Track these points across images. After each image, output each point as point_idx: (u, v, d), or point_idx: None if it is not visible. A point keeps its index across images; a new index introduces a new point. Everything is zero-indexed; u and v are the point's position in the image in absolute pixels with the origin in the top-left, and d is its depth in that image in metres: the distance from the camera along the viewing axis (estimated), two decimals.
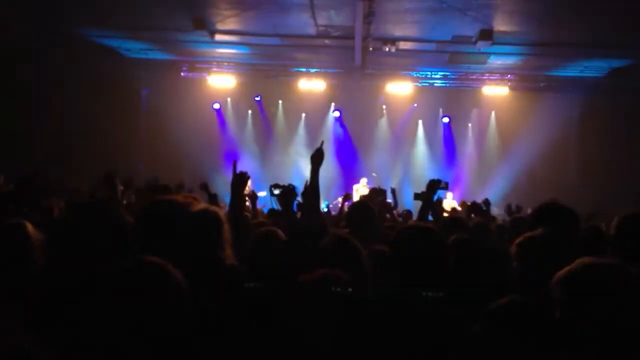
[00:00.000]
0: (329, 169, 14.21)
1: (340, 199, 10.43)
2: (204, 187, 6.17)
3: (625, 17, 9.81)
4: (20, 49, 11.61)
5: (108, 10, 10.64)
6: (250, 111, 16.50)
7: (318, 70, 15.07)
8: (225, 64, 15.08)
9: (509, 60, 13.65)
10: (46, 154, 11.57)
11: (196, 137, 15.01)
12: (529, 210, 4.43)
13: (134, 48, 13.65)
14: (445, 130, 16.62)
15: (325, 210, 11.91)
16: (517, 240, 2.75)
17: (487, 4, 9.84)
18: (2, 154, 10.53)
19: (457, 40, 11.79)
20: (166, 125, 14.60)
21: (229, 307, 2.51)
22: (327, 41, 12.07)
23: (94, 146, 13.33)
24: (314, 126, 16.37)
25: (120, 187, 5.50)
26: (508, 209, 7.95)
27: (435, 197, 5.14)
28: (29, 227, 2.70)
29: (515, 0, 9.93)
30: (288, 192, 3.84)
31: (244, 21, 11.41)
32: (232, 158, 4.34)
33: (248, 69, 15.30)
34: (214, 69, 15.19)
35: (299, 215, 4.02)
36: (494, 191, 14.45)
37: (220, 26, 11.54)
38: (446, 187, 5.13)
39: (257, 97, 16.22)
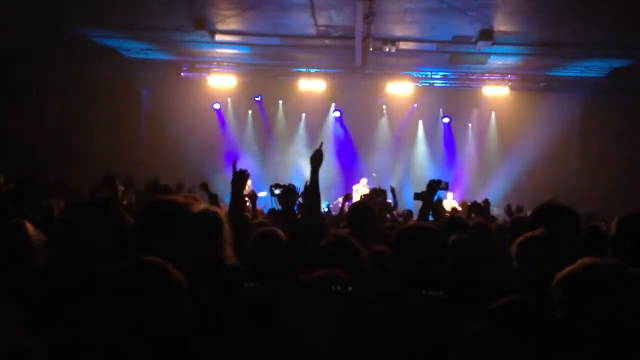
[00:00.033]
0: (329, 169, 14.21)
1: (340, 199, 10.42)
2: (204, 186, 6.17)
3: (625, 17, 9.81)
4: (20, 49, 11.61)
5: (108, 10, 10.64)
6: (250, 111, 16.49)
7: (318, 70, 15.07)
8: (226, 64, 15.08)
9: (509, 61, 13.66)
10: (46, 154, 11.58)
11: (196, 137, 15.01)
12: (529, 212, 4.43)
13: (134, 48, 13.65)
14: (446, 131, 16.62)
15: (326, 210, 11.91)
16: (518, 240, 2.75)
17: (488, 4, 9.84)
18: (2, 154, 10.53)
19: (458, 40, 11.79)
20: (166, 125, 14.61)
21: (229, 307, 2.51)
22: (327, 41, 12.07)
23: (94, 146, 13.34)
24: (314, 126, 16.36)
25: (121, 188, 5.51)
26: (508, 209, 7.94)
27: (435, 197, 5.14)
28: (29, 227, 2.70)
29: (515, 1, 9.93)
30: (288, 192, 3.83)
31: (244, 21, 11.41)
32: (232, 158, 4.33)
33: (248, 69, 15.30)
34: (214, 69, 15.18)
35: (299, 215, 4.02)
36: (494, 191, 14.45)
37: (220, 26, 11.54)
38: (446, 188, 5.12)
39: (258, 97, 16.21)
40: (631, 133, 14.45)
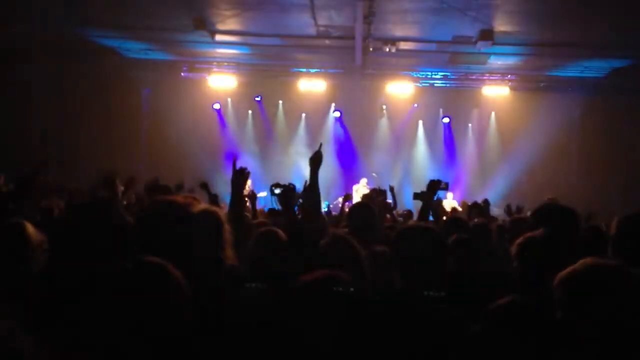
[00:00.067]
0: (329, 169, 14.20)
1: (340, 199, 10.43)
2: (204, 186, 6.17)
3: (625, 17, 9.81)
4: (20, 49, 11.61)
5: (108, 10, 10.64)
6: (250, 111, 16.49)
7: (318, 70, 15.07)
8: (226, 64, 15.07)
9: (509, 61, 13.66)
10: (46, 154, 11.58)
11: (196, 137, 15.01)
12: (529, 212, 4.43)
13: (134, 48, 13.65)
14: (446, 131, 16.61)
15: (326, 210, 11.91)
16: (518, 241, 2.75)
17: (488, 4, 9.84)
18: (2, 154, 10.53)
19: (458, 40, 11.79)
20: (166, 125, 14.61)
21: (229, 307, 2.51)
22: (327, 41, 12.07)
23: (94, 146, 13.33)
24: (314, 126, 16.36)
25: (121, 188, 5.50)
26: (508, 209, 7.95)
27: (435, 198, 5.14)
28: (29, 227, 2.70)
29: (515, 1, 9.93)
30: (289, 191, 3.83)
31: (244, 21, 11.41)
32: (232, 156, 4.31)
33: (248, 69, 15.30)
34: (214, 69, 15.18)
35: (299, 215, 4.01)
36: (494, 191, 14.46)
37: (220, 26, 11.54)
38: (446, 188, 5.12)
39: (258, 97, 16.21)
40: (631, 133, 14.45)
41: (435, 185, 4.59)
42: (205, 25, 11.18)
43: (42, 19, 10.96)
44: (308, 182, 3.75)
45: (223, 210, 3.41)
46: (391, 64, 13.95)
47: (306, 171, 3.98)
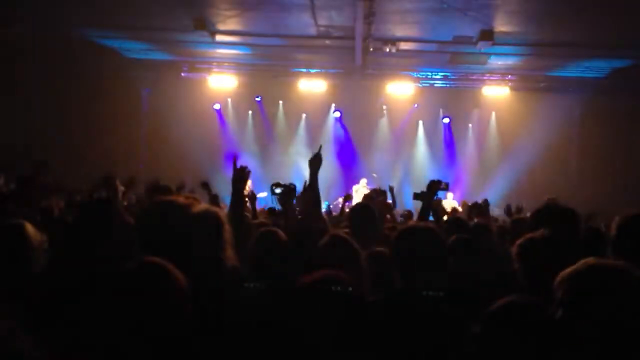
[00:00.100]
0: (329, 169, 14.20)
1: (341, 200, 10.43)
2: (205, 185, 6.17)
3: (625, 17, 9.81)
4: (20, 49, 11.60)
5: (108, 10, 10.64)
6: (250, 112, 16.49)
7: (318, 70, 15.07)
8: (226, 64, 15.07)
9: (510, 61, 13.65)
10: (46, 154, 11.56)
11: (196, 137, 14.99)
12: (529, 214, 4.42)
13: (134, 48, 13.65)
14: (446, 131, 16.61)
15: (326, 210, 11.91)
16: (518, 241, 2.75)
17: (488, 4, 9.84)
18: (2, 154, 10.53)
19: (458, 40, 11.79)
20: (166, 125, 14.61)
21: (229, 307, 2.51)
22: (327, 41, 12.07)
23: (94, 146, 13.33)
24: (315, 127, 16.36)
25: (122, 188, 5.51)
26: (508, 210, 7.95)
27: (435, 198, 5.14)
28: (29, 227, 2.70)
29: (516, 1, 9.93)
30: (289, 191, 3.83)
31: (245, 21, 11.41)
32: (233, 156, 4.30)
33: (248, 69, 15.30)
34: (215, 70, 15.18)
35: (299, 215, 4.01)
36: (495, 191, 14.45)
37: (220, 26, 11.54)
38: (447, 188, 5.12)
39: (258, 97, 16.21)
40: (631, 133, 14.45)
41: (435, 186, 4.58)
42: (205, 26, 11.17)
43: (42, 19, 10.96)
44: (308, 183, 3.75)
45: (223, 210, 3.41)
46: (391, 64, 13.95)
47: (306, 171, 3.98)
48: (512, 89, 15.26)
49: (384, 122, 16.60)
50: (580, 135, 15.67)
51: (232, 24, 11.44)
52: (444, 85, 15.76)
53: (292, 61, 14.68)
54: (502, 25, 10.77)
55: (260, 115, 16.52)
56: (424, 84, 15.62)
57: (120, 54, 13.94)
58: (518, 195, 13.07)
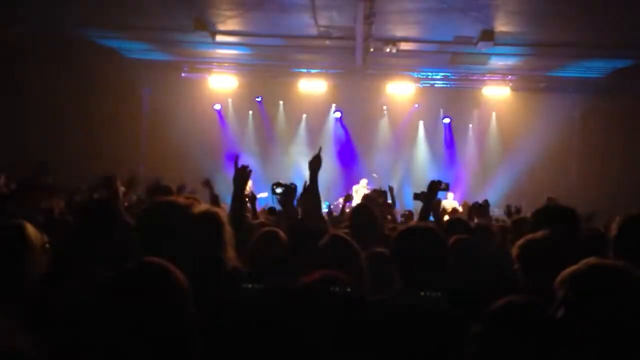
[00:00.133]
0: (329, 169, 14.20)
1: (341, 200, 10.43)
2: (207, 183, 6.16)
3: (625, 17, 9.81)
4: (20, 49, 11.61)
5: (108, 10, 10.65)
6: (251, 112, 16.49)
7: (319, 70, 15.07)
8: (226, 64, 15.08)
9: (510, 61, 13.66)
10: (46, 154, 11.57)
11: (197, 137, 15.00)
12: (529, 214, 4.43)
13: (134, 48, 13.65)
14: (446, 131, 16.61)
15: (327, 210, 11.91)
16: (518, 242, 2.75)
17: (488, 5, 9.84)
18: (2, 154, 10.53)
19: (459, 40, 11.79)
20: (167, 126, 14.61)
21: (229, 307, 2.51)
22: (328, 42, 12.07)
23: (94, 146, 13.33)
24: (315, 127, 16.37)
25: (122, 189, 5.50)
26: (508, 210, 7.95)
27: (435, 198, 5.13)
28: (29, 227, 2.70)
29: (516, 1, 9.93)
30: (290, 191, 3.83)
31: (245, 22, 11.41)
32: (234, 155, 4.29)
33: (249, 69, 15.30)
34: (215, 70, 15.18)
35: (299, 215, 4.02)
36: (495, 192, 14.45)
37: (221, 27, 11.54)
38: (447, 188, 5.12)
39: (258, 98, 16.21)
40: (632, 134, 14.43)
41: (435, 186, 4.58)
42: (205, 26, 11.17)
43: (42, 19, 10.96)
44: (307, 185, 3.75)
45: (224, 210, 3.41)
46: (392, 64, 13.95)
47: (307, 172, 3.98)
48: (513, 89, 15.27)
49: (384, 122, 16.60)
50: (580, 135, 15.67)
51: (232, 24, 11.44)
52: (445, 85, 15.75)
53: (292, 61, 14.68)
54: (502, 26, 10.77)
55: (260, 115, 16.52)
56: (424, 84, 15.61)
57: (120, 54, 13.94)
58: (518, 195, 13.08)
